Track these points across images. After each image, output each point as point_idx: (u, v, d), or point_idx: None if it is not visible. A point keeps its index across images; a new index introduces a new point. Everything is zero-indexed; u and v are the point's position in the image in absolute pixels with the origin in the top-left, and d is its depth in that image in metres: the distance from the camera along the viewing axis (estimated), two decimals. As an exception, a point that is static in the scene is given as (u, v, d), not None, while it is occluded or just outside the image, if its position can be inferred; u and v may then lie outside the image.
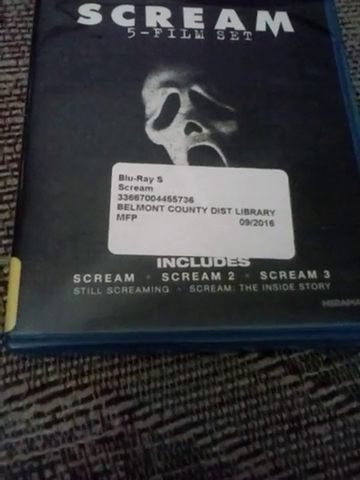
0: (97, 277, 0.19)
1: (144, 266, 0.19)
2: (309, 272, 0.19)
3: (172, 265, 0.19)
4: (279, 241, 0.20)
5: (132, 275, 0.19)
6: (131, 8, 0.24)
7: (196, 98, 0.22)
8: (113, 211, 0.20)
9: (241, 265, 0.19)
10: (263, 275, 0.19)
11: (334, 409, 0.20)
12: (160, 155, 0.21)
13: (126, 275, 0.19)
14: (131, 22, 0.23)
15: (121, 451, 0.19)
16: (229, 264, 0.19)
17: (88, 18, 0.23)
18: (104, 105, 0.21)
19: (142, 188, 0.20)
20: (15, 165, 0.23)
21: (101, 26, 0.23)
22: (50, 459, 0.18)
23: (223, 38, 0.24)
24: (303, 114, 0.22)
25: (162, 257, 0.19)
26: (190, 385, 0.20)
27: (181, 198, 0.20)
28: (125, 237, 0.19)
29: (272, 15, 0.24)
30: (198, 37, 0.23)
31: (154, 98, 0.22)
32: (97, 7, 0.24)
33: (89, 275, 0.19)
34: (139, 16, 0.24)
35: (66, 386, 0.19)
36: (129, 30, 0.23)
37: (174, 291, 0.19)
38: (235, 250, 0.20)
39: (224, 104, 0.22)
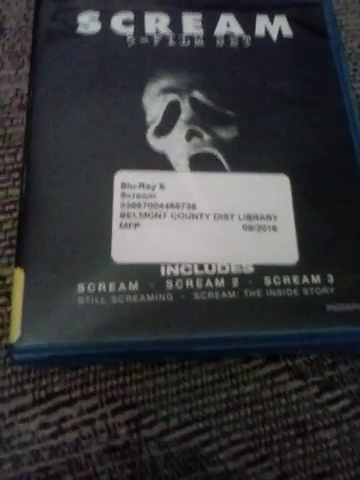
0: (101, 286, 0.19)
1: (148, 274, 0.19)
2: (313, 277, 0.19)
3: (176, 272, 0.19)
4: (282, 246, 0.20)
5: (136, 283, 0.19)
6: (130, 15, 0.24)
7: (196, 104, 0.22)
8: (116, 219, 0.20)
9: (244, 271, 0.19)
10: (267, 280, 0.19)
11: (340, 413, 0.20)
12: (162, 162, 0.21)
13: (130, 283, 0.19)
14: (130, 29, 0.23)
15: (128, 460, 0.19)
16: (233, 270, 0.19)
17: (87, 27, 0.23)
18: (105, 113, 0.21)
19: (144, 196, 0.20)
20: (16, 175, 0.23)
21: (100, 34, 0.23)
22: (56, 470, 0.18)
23: (222, 43, 0.24)
24: (304, 118, 0.22)
25: (166, 265, 0.19)
26: (195, 392, 0.20)
27: (183, 205, 0.20)
28: (128, 245, 0.19)
29: (271, 19, 0.24)
30: (197, 43, 0.23)
31: (155, 105, 0.22)
32: (96, 15, 0.24)
33: (93, 284, 0.19)
34: (138, 23, 0.24)
35: (71, 396, 0.19)
36: (128, 38, 0.23)
37: (178, 298, 0.19)
38: (238, 256, 0.20)
39: (224, 110, 0.22)
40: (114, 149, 0.21)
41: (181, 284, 0.19)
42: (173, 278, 0.19)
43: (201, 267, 0.19)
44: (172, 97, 0.22)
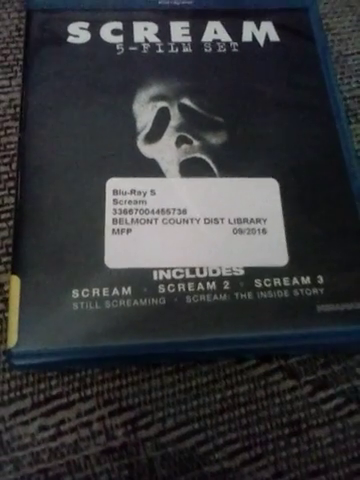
0: (95, 291, 0.19)
1: (140, 279, 0.19)
2: (303, 278, 0.20)
3: (168, 277, 0.19)
4: (272, 248, 0.20)
5: (129, 288, 0.19)
6: (119, 25, 0.24)
7: (186, 111, 0.23)
8: (108, 226, 0.20)
9: (235, 274, 0.20)
10: (257, 283, 0.20)
11: (333, 412, 0.20)
12: (152, 168, 0.21)
13: (123, 288, 0.19)
14: (119, 38, 0.24)
15: (125, 460, 0.19)
16: (224, 273, 0.20)
17: (77, 36, 0.24)
18: (96, 121, 0.22)
19: (136, 202, 0.21)
20: (12, 184, 0.23)
21: (90, 44, 0.24)
22: (56, 471, 0.19)
23: (210, 50, 0.24)
24: (292, 122, 0.23)
25: (158, 269, 0.19)
26: (190, 393, 0.20)
27: (174, 210, 0.21)
28: (121, 251, 0.20)
29: (258, 25, 0.25)
30: (186, 50, 0.24)
31: (144, 112, 0.22)
32: (86, 25, 0.24)
33: (87, 290, 0.19)
34: (127, 32, 0.24)
35: (69, 399, 0.20)
36: (118, 46, 0.24)
37: (171, 302, 0.19)
38: (229, 259, 0.20)
39: (213, 115, 0.23)
40: (106, 156, 0.21)
41: (173, 288, 0.19)
42: (165, 282, 0.19)
43: (193, 271, 0.20)
44: (162, 104, 0.23)
